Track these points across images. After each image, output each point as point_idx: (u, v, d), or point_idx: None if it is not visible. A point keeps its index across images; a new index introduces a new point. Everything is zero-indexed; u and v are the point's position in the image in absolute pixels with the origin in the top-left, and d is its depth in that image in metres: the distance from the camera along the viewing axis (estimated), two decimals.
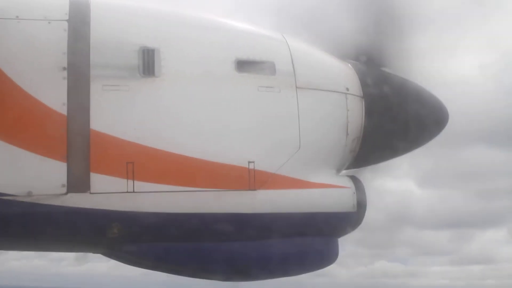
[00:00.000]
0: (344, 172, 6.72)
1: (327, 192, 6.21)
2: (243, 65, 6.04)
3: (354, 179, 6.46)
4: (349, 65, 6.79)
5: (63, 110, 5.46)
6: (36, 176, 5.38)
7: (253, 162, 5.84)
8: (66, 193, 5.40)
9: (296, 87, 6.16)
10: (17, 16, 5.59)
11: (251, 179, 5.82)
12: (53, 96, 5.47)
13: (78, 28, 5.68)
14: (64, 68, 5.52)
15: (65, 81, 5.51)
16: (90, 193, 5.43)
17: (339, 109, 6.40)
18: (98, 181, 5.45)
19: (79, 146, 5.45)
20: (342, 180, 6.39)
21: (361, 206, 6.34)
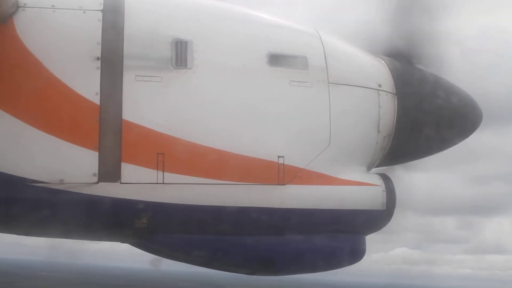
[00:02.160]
0: (374, 169, 6.65)
1: (356, 190, 6.15)
2: (275, 59, 6.01)
3: (384, 177, 6.38)
4: (382, 61, 6.70)
5: (96, 99, 5.51)
6: (68, 165, 5.46)
7: (283, 157, 5.82)
8: (97, 182, 5.46)
9: (328, 83, 6.11)
10: (52, 6, 5.65)
11: (280, 173, 5.80)
12: (87, 85, 5.53)
13: (113, 18, 5.72)
14: (98, 58, 5.57)
15: (99, 71, 5.56)
16: (121, 183, 5.49)
17: (371, 105, 6.33)
18: (129, 171, 5.49)
19: (110, 136, 5.50)
20: (372, 178, 6.32)
21: (390, 204, 6.28)
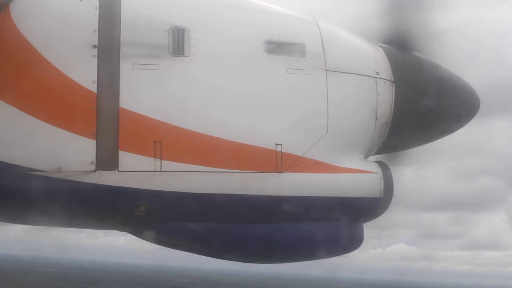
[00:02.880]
0: (372, 157, 6.65)
1: (354, 177, 6.15)
2: (273, 46, 6.00)
3: (382, 165, 6.39)
4: (380, 49, 6.69)
5: (93, 87, 5.49)
6: (66, 153, 5.45)
7: (281, 144, 5.82)
8: (95, 171, 5.45)
9: (326, 70, 6.10)
10: None
11: (278, 161, 5.80)
12: (84, 73, 5.51)
13: (109, 6, 5.70)
14: (95, 46, 5.55)
15: (95, 59, 5.54)
16: (118, 171, 5.48)
17: (368, 93, 6.32)
18: (126, 159, 5.49)
19: (108, 124, 5.49)
20: (370, 166, 6.32)
21: (388, 192, 6.28)
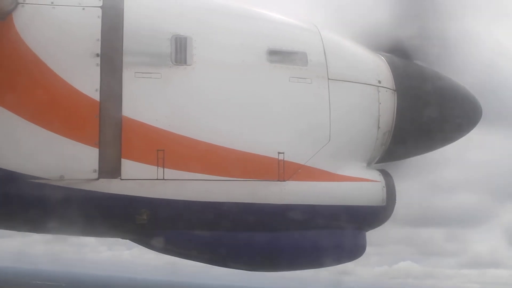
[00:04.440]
0: (374, 166, 6.65)
1: (356, 186, 6.15)
2: (275, 55, 6.01)
3: (384, 173, 6.39)
4: (382, 57, 6.71)
5: (96, 96, 5.51)
6: (68, 161, 5.45)
7: (283, 153, 5.82)
8: (97, 179, 5.45)
9: (328, 79, 6.11)
10: (52, 2, 5.65)
11: (280, 170, 5.80)
12: (86, 82, 5.53)
13: (112, 15, 5.72)
14: (98, 55, 5.57)
15: (98, 68, 5.56)
16: (121, 179, 5.48)
17: (370, 102, 6.34)
18: (129, 167, 5.49)
19: (111, 132, 5.50)
20: (372, 174, 6.32)
21: (390, 200, 6.27)
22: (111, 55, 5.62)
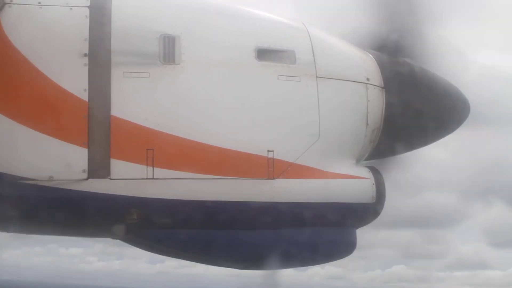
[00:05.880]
0: (363, 163, 6.67)
1: (345, 183, 6.18)
2: (263, 53, 6.02)
3: (374, 170, 6.41)
4: (370, 55, 6.72)
5: (84, 96, 5.50)
6: (58, 161, 5.44)
7: (272, 151, 5.84)
8: (87, 179, 5.45)
9: (316, 77, 6.13)
10: (39, 2, 5.63)
11: (270, 168, 5.81)
12: (75, 82, 5.52)
13: (100, 14, 5.71)
14: (85, 55, 5.56)
15: (86, 68, 5.55)
16: (110, 179, 5.48)
17: (359, 99, 6.35)
18: (118, 167, 5.49)
19: (100, 132, 5.49)
20: (361, 171, 6.34)
21: (380, 197, 6.30)
22: (99, 55, 5.60)
